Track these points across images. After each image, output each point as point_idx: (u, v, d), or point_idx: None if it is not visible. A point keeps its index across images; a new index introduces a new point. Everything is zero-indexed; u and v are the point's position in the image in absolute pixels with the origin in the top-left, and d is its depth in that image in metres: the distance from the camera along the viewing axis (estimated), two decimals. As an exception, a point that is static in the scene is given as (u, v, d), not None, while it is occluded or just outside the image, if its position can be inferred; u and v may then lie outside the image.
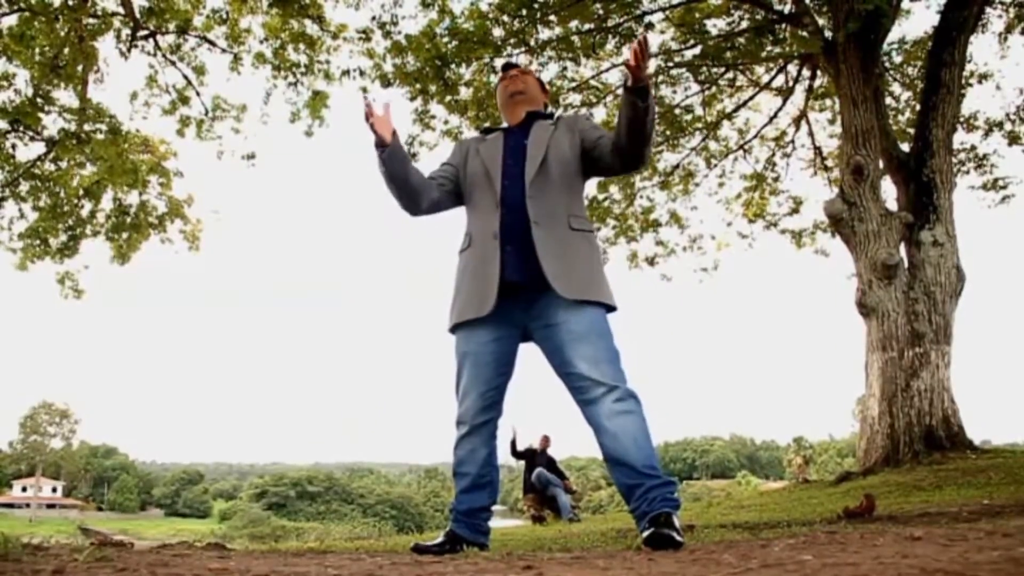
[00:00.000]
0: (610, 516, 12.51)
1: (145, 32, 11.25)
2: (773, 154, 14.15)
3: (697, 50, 11.68)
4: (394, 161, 2.78)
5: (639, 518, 2.47)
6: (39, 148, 11.80)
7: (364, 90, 10.73)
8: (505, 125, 3.10)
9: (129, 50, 11.14)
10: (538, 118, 3.03)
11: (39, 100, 11.02)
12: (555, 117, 3.04)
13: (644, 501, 2.45)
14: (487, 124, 3.55)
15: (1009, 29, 11.45)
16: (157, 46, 11.53)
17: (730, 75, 12.84)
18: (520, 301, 2.73)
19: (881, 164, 9.35)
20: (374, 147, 2.78)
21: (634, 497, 2.49)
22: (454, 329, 2.84)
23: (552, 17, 10.20)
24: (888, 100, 12.06)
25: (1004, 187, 12.16)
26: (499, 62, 10.03)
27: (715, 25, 11.50)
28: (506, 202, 2.79)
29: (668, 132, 13.10)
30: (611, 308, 2.74)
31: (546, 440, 10.36)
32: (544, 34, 10.43)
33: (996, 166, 12.16)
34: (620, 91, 11.83)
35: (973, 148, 12.27)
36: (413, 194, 2.87)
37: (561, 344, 2.63)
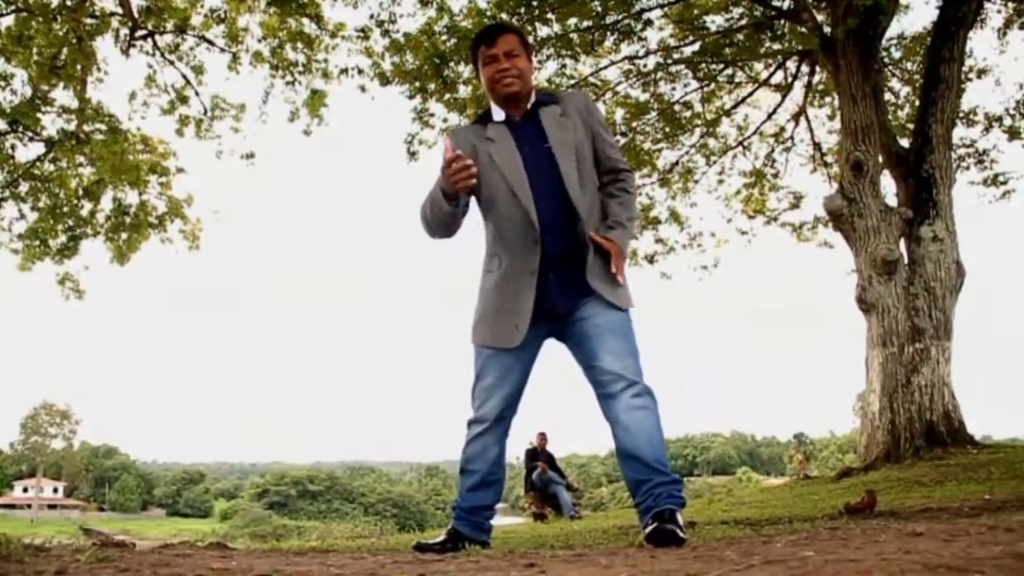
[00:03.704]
0: (611, 513, 12.53)
1: (143, 32, 11.24)
2: (772, 150, 14.15)
3: (696, 46, 11.67)
4: (462, 216, 2.70)
5: (643, 513, 2.47)
6: (39, 148, 11.81)
7: (363, 89, 10.72)
8: (502, 116, 2.79)
9: (128, 50, 11.14)
10: (540, 104, 2.79)
11: (37, 100, 11.01)
12: (556, 99, 2.83)
13: (650, 496, 2.46)
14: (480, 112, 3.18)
15: (1008, 24, 11.43)
16: (155, 46, 11.53)
17: (729, 71, 12.83)
18: (554, 316, 2.72)
19: (880, 160, 9.35)
20: (446, 200, 2.61)
21: (640, 491, 2.49)
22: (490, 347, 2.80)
23: (550, 14, 10.19)
24: (887, 96, 12.04)
25: (1004, 183, 12.17)
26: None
27: (714, 21, 11.50)
28: (546, 224, 2.63)
29: (667, 129, 13.09)
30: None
31: (543, 437, 10.37)
32: (543, 31, 10.42)
33: (996, 161, 12.17)
34: (618, 87, 11.81)
35: (973, 143, 12.26)
36: (454, 230, 2.80)
37: (588, 337, 2.63)
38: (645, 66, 11.99)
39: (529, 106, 2.78)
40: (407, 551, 2.69)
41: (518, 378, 2.76)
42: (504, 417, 2.77)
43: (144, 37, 11.32)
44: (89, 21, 10.67)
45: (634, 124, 12.71)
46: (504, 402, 2.74)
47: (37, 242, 12.49)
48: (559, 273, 2.66)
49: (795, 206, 14.36)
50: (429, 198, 2.72)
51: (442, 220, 2.72)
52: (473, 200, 2.82)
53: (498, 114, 2.80)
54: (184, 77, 11.93)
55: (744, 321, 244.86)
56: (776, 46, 11.62)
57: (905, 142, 9.70)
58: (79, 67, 10.89)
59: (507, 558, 2.11)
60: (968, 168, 12.32)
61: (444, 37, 9.85)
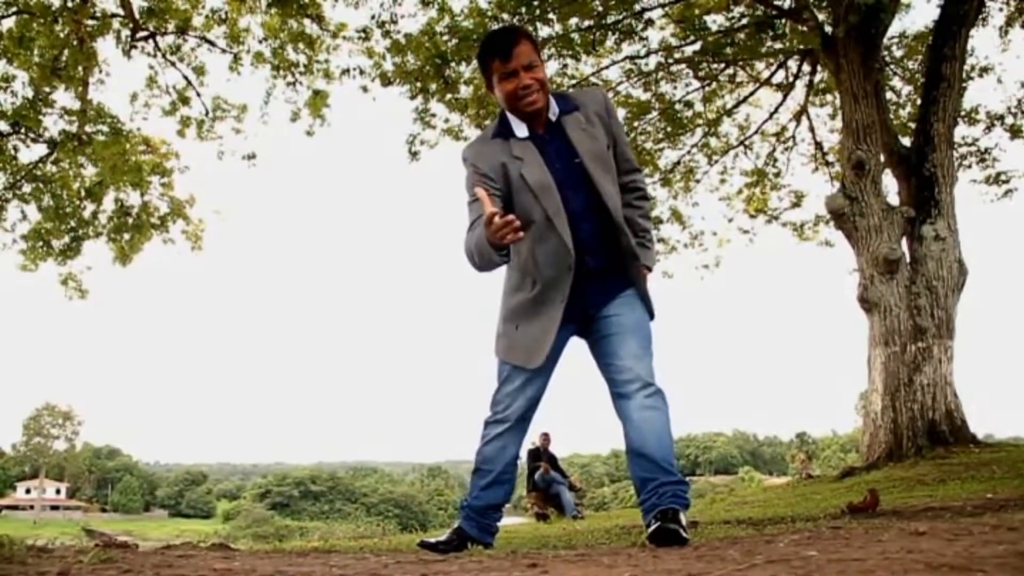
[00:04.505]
0: (614, 513, 12.53)
1: (145, 33, 11.25)
2: (774, 149, 14.14)
3: (697, 46, 11.66)
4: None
5: (647, 511, 2.48)
6: (41, 150, 11.84)
7: (365, 89, 10.72)
8: (524, 130, 2.67)
9: (129, 51, 11.15)
10: (562, 112, 2.69)
11: (39, 102, 11.03)
12: (576, 104, 2.73)
13: (655, 494, 2.47)
14: (494, 122, 2.87)
15: (1010, 22, 11.42)
16: (157, 47, 11.54)
17: (730, 71, 12.82)
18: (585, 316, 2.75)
19: (882, 159, 9.34)
20: (496, 251, 2.47)
21: (646, 489, 2.51)
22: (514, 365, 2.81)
23: (551, 14, 10.19)
24: (889, 94, 12.04)
25: (1006, 181, 12.18)
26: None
27: (715, 21, 11.49)
28: (583, 243, 2.63)
29: (669, 129, 13.09)
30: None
31: (546, 437, 10.38)
32: (544, 31, 10.42)
33: (998, 160, 12.17)
34: (620, 86, 11.80)
35: (975, 142, 12.26)
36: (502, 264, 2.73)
37: (610, 334, 2.66)
38: (646, 66, 12.00)
39: (552, 116, 2.68)
40: (409, 551, 2.69)
41: (542, 382, 2.80)
42: (526, 418, 2.81)
43: (145, 38, 11.33)
44: (90, 22, 10.68)
45: (635, 124, 12.70)
46: (527, 403, 2.78)
47: (40, 243, 12.52)
48: (595, 283, 2.68)
49: (796, 205, 14.38)
50: (476, 248, 2.54)
51: (493, 264, 2.61)
52: None
53: (519, 127, 2.67)
54: (185, 78, 11.96)
55: (746, 320, 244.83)
56: (777, 45, 11.61)
57: (907, 141, 9.69)
58: (80, 68, 10.90)
59: (510, 558, 2.11)
60: (970, 167, 12.33)
61: (445, 37, 9.85)
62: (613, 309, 2.68)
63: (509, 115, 2.69)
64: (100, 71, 11.40)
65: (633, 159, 2.93)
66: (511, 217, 2.35)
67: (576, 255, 2.60)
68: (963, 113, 11.51)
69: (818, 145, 13.89)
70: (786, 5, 10.75)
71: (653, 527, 2.34)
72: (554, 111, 2.68)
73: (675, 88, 12.70)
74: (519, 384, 2.76)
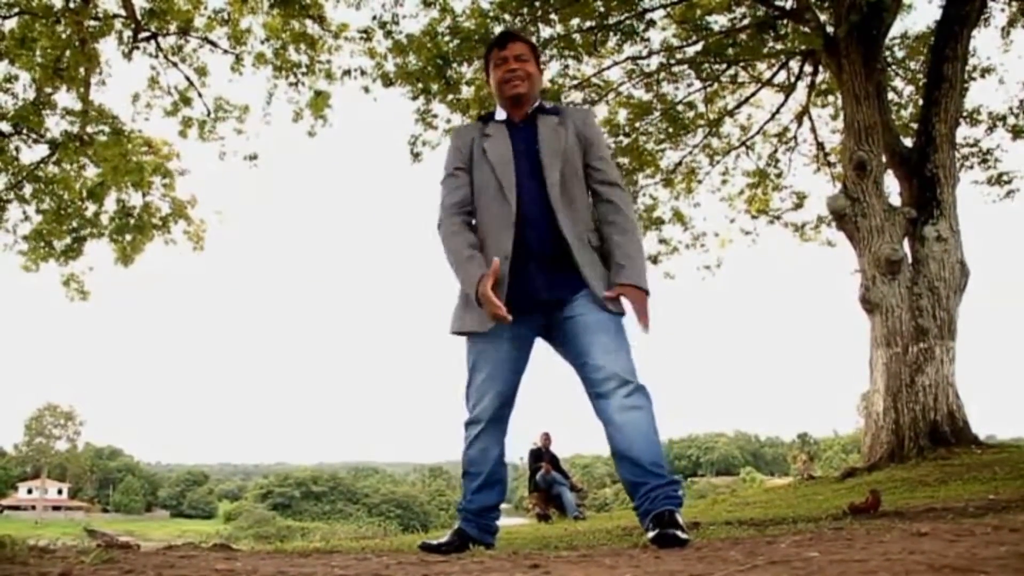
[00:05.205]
0: (615, 514, 12.51)
1: (146, 34, 11.27)
2: (776, 150, 14.14)
3: (699, 47, 11.67)
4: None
5: (643, 516, 2.47)
6: (42, 150, 11.85)
7: (366, 90, 10.72)
8: (503, 116, 2.89)
9: (131, 52, 11.16)
10: (541, 111, 2.88)
11: (41, 103, 11.05)
12: (558, 110, 2.90)
13: (648, 499, 2.46)
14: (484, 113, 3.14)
15: (1012, 23, 11.42)
16: (159, 47, 11.55)
17: (732, 71, 12.82)
18: (539, 306, 2.72)
19: (884, 159, 9.34)
20: (476, 298, 2.65)
21: (638, 494, 2.49)
22: (463, 333, 2.81)
23: (553, 15, 10.19)
24: (890, 95, 12.02)
25: (1008, 182, 12.17)
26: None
27: (716, 21, 11.50)
28: (528, 219, 2.69)
29: (670, 130, 13.08)
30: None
31: (547, 437, 10.37)
32: (545, 32, 10.43)
33: (1000, 160, 12.17)
34: (621, 87, 11.79)
35: (976, 143, 12.25)
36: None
37: (578, 333, 2.63)
38: (648, 66, 12.00)
39: (530, 111, 2.87)
40: (411, 552, 2.69)
41: (510, 375, 2.76)
42: (501, 417, 2.77)
43: (147, 39, 11.35)
44: (92, 23, 10.70)
45: (637, 124, 12.71)
46: (498, 400, 2.73)
47: (42, 243, 12.52)
48: (541, 266, 2.68)
49: (798, 206, 14.38)
50: (464, 275, 2.70)
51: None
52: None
53: (501, 115, 2.90)
54: (187, 79, 11.96)
55: (748, 321, 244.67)
56: (779, 46, 11.61)
57: (908, 141, 9.69)
58: (82, 69, 10.91)
59: (511, 559, 2.11)
60: (972, 167, 12.32)
61: (447, 38, 9.85)
62: (576, 310, 2.65)
63: (498, 107, 2.94)
64: (102, 72, 11.43)
65: (614, 174, 2.87)
66: (504, 313, 2.56)
67: (520, 227, 2.68)
68: (965, 114, 11.50)
69: (820, 146, 13.89)
70: (788, 5, 10.75)
71: (652, 533, 2.34)
72: (535, 107, 2.89)
73: (677, 89, 12.72)
74: (485, 377, 2.73)
